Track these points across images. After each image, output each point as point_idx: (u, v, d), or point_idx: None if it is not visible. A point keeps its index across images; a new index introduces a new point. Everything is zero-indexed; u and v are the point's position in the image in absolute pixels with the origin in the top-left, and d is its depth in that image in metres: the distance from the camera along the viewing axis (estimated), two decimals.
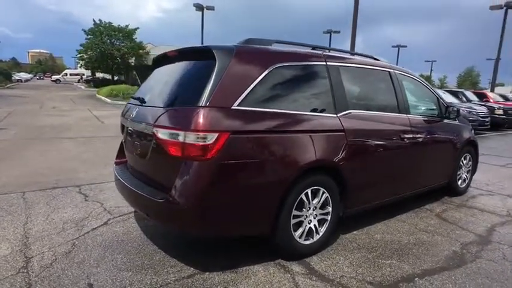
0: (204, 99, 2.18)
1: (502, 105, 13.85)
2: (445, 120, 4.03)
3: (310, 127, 2.58)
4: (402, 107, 3.46)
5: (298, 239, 2.60)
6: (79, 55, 36.49)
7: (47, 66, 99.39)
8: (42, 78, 66.00)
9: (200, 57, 2.52)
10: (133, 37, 35.62)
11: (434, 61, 57.42)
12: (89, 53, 34.83)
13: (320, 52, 2.91)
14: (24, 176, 4.62)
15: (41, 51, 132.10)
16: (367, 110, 3.07)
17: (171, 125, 2.25)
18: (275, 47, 2.74)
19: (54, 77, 54.33)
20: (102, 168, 5.16)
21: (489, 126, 11.83)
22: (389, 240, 3.06)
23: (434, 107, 4.01)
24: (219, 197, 2.21)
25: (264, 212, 2.38)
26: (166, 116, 2.33)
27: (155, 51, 37.97)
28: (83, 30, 34.92)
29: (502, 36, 21.56)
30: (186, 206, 2.16)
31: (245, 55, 2.43)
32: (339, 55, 3.08)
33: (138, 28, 35.84)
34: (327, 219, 2.78)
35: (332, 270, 2.51)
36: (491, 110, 13.01)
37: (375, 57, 3.55)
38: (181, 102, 2.40)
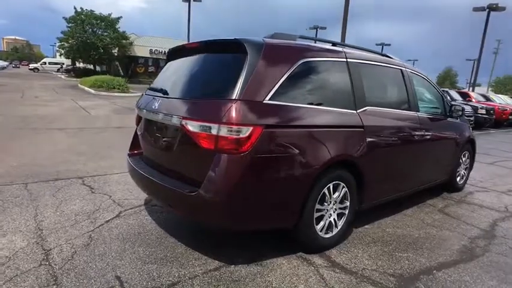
0: (237, 93, 2.17)
1: (484, 105, 14.39)
2: (449, 119, 4.16)
3: (335, 122, 2.62)
4: (412, 105, 3.55)
5: (319, 233, 2.64)
6: (60, 43, 35.11)
7: (23, 54, 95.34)
8: (18, 67, 63.08)
9: (228, 49, 2.49)
10: (117, 27, 34.58)
11: (416, 60, 58.74)
12: (70, 41, 33.58)
13: (340, 49, 2.94)
14: (23, 166, 4.46)
15: (17, 38, 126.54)
16: (382, 107, 3.13)
17: (203, 118, 2.22)
18: (299, 41, 2.75)
19: (32, 66, 52.15)
20: (100, 160, 5.05)
21: (474, 125, 12.30)
22: (401, 234, 3.15)
23: (440, 105, 4.14)
24: (250, 191, 2.22)
25: (291, 205, 2.41)
26: (196, 109, 2.31)
27: (139, 42, 37.12)
28: (63, 18, 33.56)
29: (483, 37, 22.32)
30: (218, 199, 2.15)
31: (275, 49, 2.43)
32: (358, 52, 3.13)
33: (121, 17, 34.79)
34: (345, 213, 2.83)
35: (353, 263, 2.57)
36: (474, 109, 13.51)
37: (388, 55, 3.62)
38: (211, 94, 2.37)
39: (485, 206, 4.14)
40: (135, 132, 3.28)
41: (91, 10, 33.72)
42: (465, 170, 4.74)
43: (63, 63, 48.26)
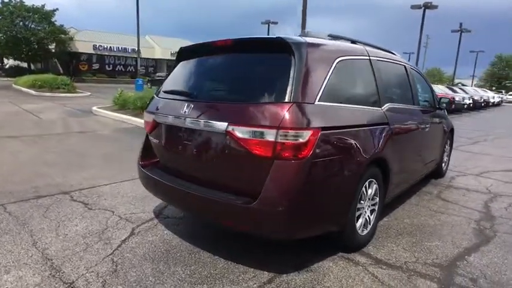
0: (290, 95, 2.05)
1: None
2: (437, 110, 4.43)
3: (370, 121, 2.62)
4: (416, 99, 3.71)
5: (358, 231, 2.64)
6: None
7: None
8: None
9: (270, 49, 2.34)
10: (52, 20, 31.53)
11: None
12: None
13: (362, 46, 2.94)
14: None
15: None
16: (396, 103, 3.21)
17: (257, 123, 2.06)
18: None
19: None
20: (80, 171, 4.55)
21: None
22: (418, 223, 3.28)
23: (430, 98, 4.38)
24: (310, 198, 2.13)
25: (343, 207, 2.37)
26: (246, 113, 2.13)
27: (81, 37, 34.29)
28: None
29: (421, 32, 24.32)
30: (279, 209, 2.02)
31: (316, 48, 2.34)
32: (375, 49, 3.16)
33: (57, 9, 31.81)
34: (375, 209, 2.87)
35: (393, 258, 2.61)
36: None
37: (392, 51, 3.72)
38: (260, 97, 2.20)
39: (471, 189, 4.50)
40: (146, 140, 2.97)
41: (21, 1, 30.27)
42: (447, 156, 5.11)
43: None
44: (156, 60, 42.57)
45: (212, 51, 2.65)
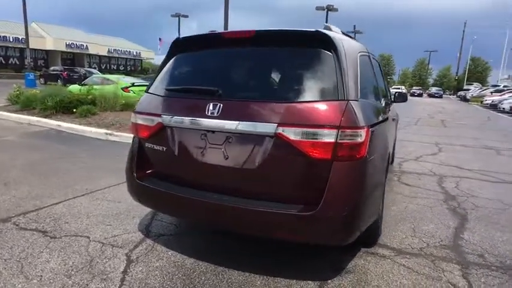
0: (342, 93, 1.92)
1: None
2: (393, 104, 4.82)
3: (383, 115, 2.66)
4: (388, 92, 3.94)
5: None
6: None
7: None
8: None
9: (305, 42, 2.14)
10: None
11: None
12: None
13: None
14: None
15: None
16: (383, 97, 3.35)
17: (314, 123, 1.86)
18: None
19: None
20: (8, 190, 3.60)
21: None
22: (404, 209, 3.50)
23: (387, 91, 4.73)
24: (366, 197, 2.04)
25: (380, 200, 2.37)
26: (298, 113, 1.90)
27: None
28: None
29: None
30: (344, 213, 1.88)
31: (348, 43, 2.24)
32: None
33: None
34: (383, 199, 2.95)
35: (409, 246, 2.71)
36: None
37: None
38: (306, 95, 1.99)
39: (420, 173, 5.04)
40: (139, 146, 2.44)
41: None
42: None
43: None
44: (47, 51, 36.89)
45: (228, 43, 2.31)
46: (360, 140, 1.89)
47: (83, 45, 38.36)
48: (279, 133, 1.88)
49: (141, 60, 47.47)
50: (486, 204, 3.72)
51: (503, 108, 19.36)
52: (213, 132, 2.08)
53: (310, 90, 2.03)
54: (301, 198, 1.94)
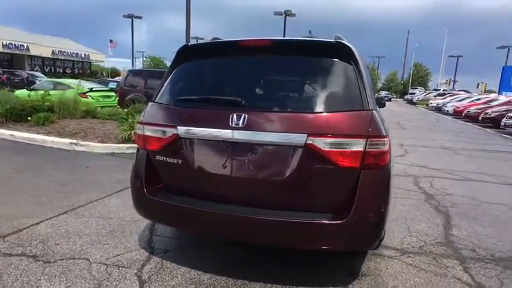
0: (363, 102, 2.00)
1: None
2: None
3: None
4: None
5: None
6: None
7: None
8: None
9: (324, 52, 2.17)
10: None
11: None
12: None
13: None
14: None
15: None
16: None
17: (343, 133, 1.90)
18: None
19: None
20: None
21: None
22: (393, 209, 3.67)
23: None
24: (389, 203, 2.12)
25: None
26: (326, 123, 1.93)
27: None
28: None
29: (284, 36, 27.13)
30: (374, 220, 1.95)
31: (359, 53, 2.30)
32: None
33: None
34: None
35: (409, 245, 2.86)
36: None
37: None
38: (332, 105, 2.02)
39: (395, 174, 5.33)
40: (147, 160, 2.29)
41: None
42: None
43: None
44: None
45: (244, 51, 2.27)
46: (385, 148, 1.96)
47: (23, 46, 35.16)
48: (310, 143, 1.89)
49: (90, 62, 44.76)
50: (461, 201, 4.05)
51: (447, 111, 21.23)
52: (237, 143, 2.03)
53: (336, 100, 2.07)
54: (330, 207, 1.97)
